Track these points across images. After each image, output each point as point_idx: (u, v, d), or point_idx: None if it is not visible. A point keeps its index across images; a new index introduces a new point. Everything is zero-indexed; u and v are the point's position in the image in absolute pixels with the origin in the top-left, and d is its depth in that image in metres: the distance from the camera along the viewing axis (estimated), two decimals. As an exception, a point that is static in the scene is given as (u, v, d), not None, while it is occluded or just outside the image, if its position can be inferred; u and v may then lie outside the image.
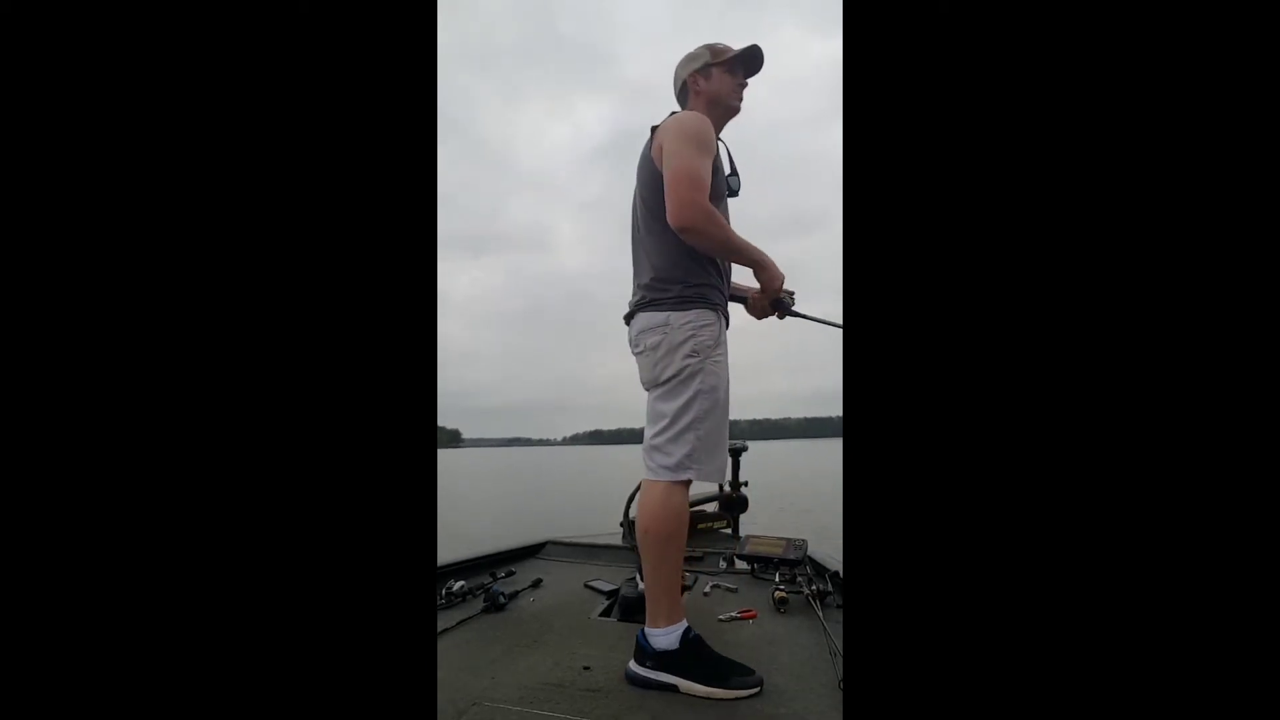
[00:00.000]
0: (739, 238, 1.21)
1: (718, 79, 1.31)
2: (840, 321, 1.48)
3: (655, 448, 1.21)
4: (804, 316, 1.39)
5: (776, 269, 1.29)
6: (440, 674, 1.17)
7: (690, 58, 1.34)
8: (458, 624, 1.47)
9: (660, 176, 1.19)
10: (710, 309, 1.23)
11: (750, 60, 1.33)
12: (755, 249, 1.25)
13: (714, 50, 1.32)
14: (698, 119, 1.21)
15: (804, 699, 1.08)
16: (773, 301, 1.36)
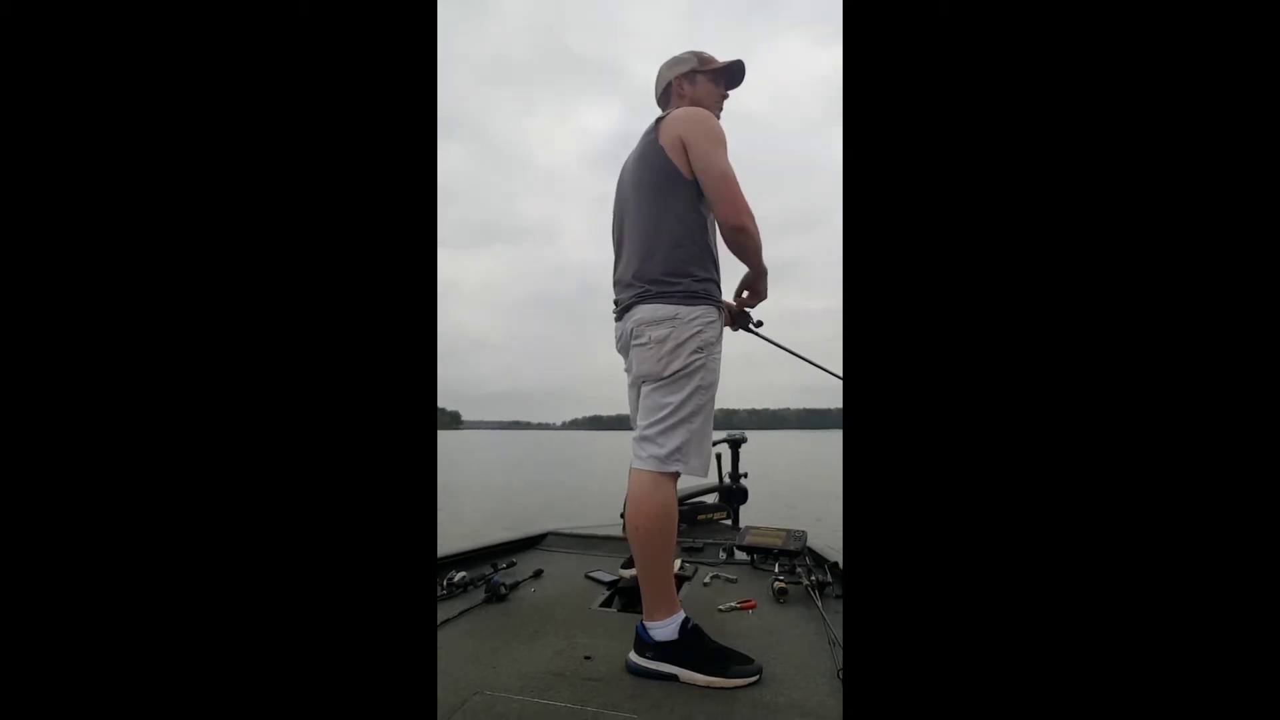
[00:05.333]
0: None
1: (702, 86, 1.34)
2: (795, 349, 1.62)
3: (647, 438, 1.21)
4: (761, 336, 1.49)
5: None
6: (442, 664, 1.18)
7: (677, 61, 1.36)
8: (459, 614, 1.48)
9: (673, 169, 1.20)
10: (715, 305, 1.24)
11: (733, 74, 1.37)
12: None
13: (701, 58, 1.35)
14: (714, 119, 1.24)
15: (803, 688, 1.09)
16: (739, 315, 1.43)
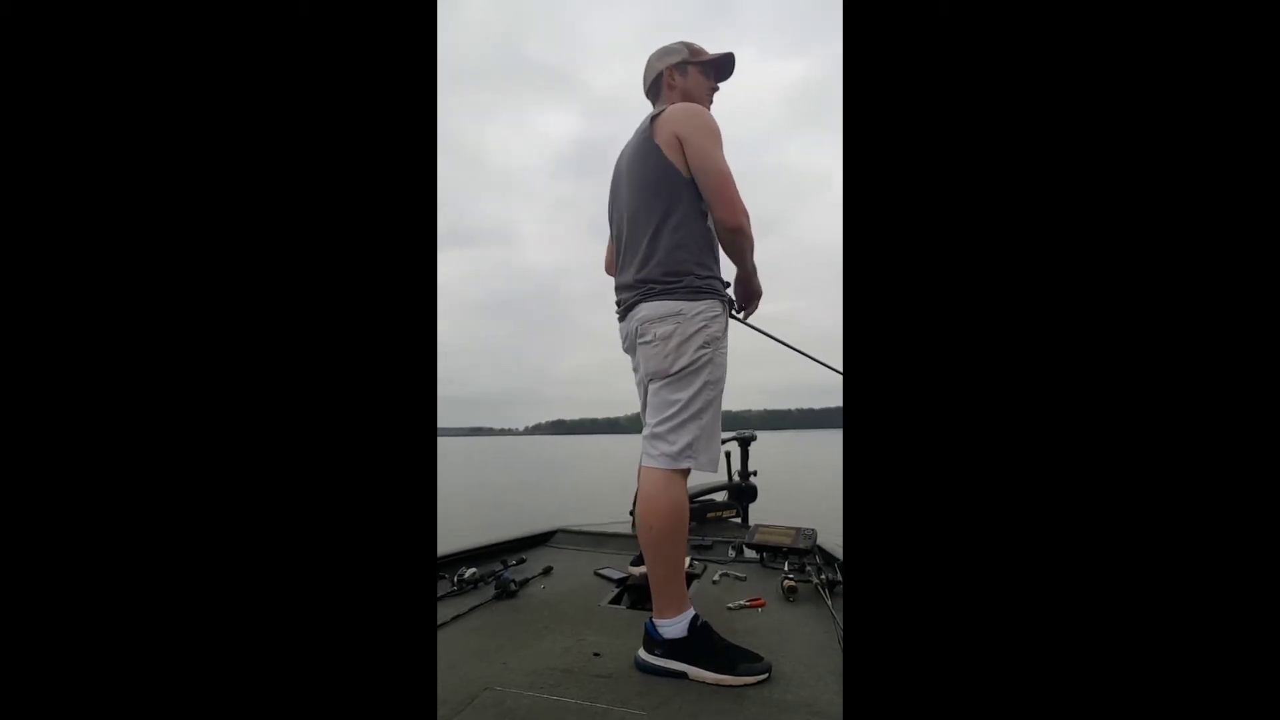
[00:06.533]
0: None
1: (693, 78, 1.33)
2: (780, 337, 1.61)
3: (657, 435, 1.20)
4: (752, 326, 1.48)
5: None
6: (451, 659, 1.19)
7: (667, 51, 1.34)
8: (469, 610, 1.49)
9: (671, 168, 1.19)
10: (720, 300, 1.23)
11: (723, 67, 1.36)
12: None
13: (692, 49, 1.33)
14: (709, 115, 1.23)
15: (812, 686, 1.09)
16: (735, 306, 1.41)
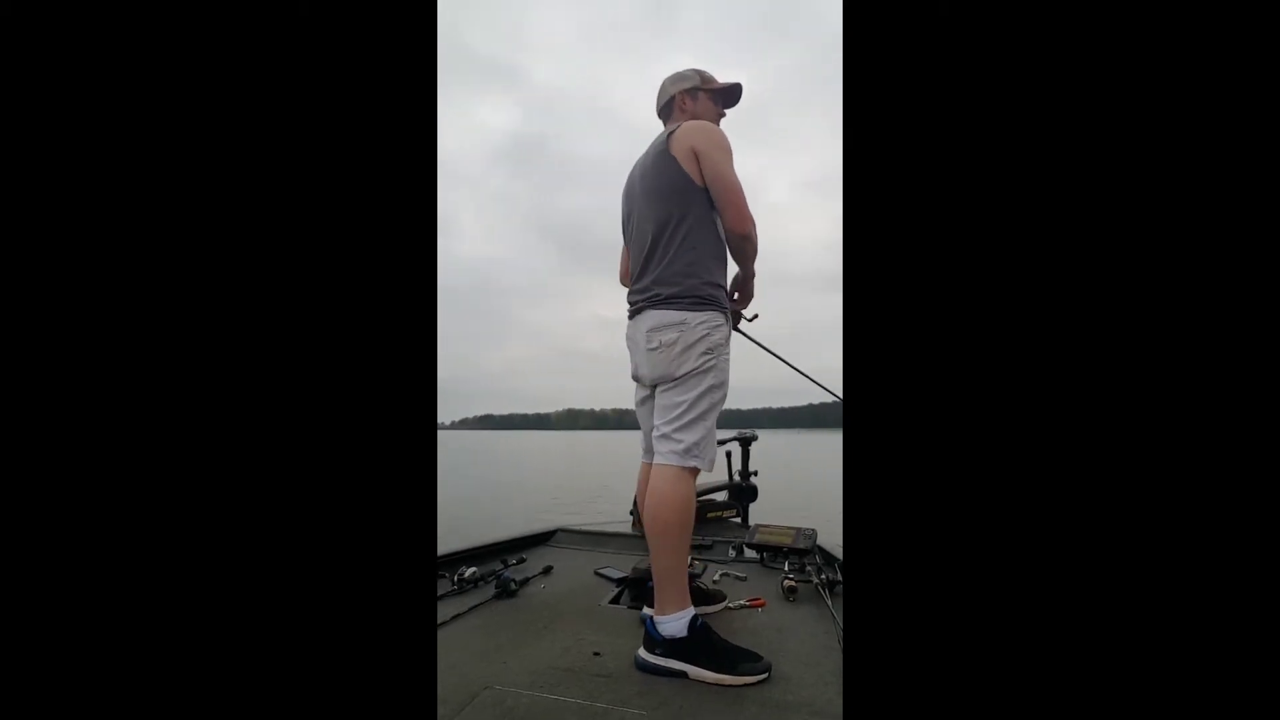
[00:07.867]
0: None
1: (703, 103, 1.44)
2: (776, 351, 1.71)
3: (666, 435, 1.27)
4: (753, 340, 1.58)
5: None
6: (452, 659, 1.19)
7: (681, 77, 1.45)
8: (469, 610, 1.49)
9: (686, 178, 1.28)
10: (721, 310, 1.31)
11: (730, 95, 1.47)
12: None
13: (703, 77, 1.45)
14: (722, 132, 1.33)
15: (812, 686, 1.09)
16: (732, 315, 1.49)
